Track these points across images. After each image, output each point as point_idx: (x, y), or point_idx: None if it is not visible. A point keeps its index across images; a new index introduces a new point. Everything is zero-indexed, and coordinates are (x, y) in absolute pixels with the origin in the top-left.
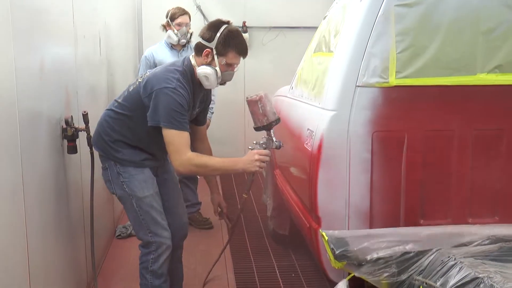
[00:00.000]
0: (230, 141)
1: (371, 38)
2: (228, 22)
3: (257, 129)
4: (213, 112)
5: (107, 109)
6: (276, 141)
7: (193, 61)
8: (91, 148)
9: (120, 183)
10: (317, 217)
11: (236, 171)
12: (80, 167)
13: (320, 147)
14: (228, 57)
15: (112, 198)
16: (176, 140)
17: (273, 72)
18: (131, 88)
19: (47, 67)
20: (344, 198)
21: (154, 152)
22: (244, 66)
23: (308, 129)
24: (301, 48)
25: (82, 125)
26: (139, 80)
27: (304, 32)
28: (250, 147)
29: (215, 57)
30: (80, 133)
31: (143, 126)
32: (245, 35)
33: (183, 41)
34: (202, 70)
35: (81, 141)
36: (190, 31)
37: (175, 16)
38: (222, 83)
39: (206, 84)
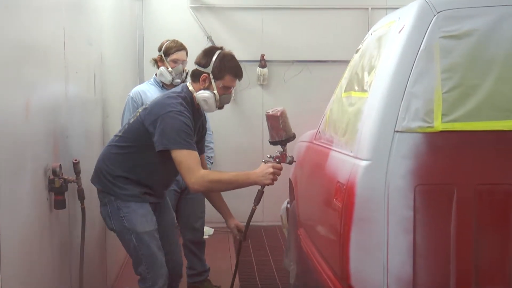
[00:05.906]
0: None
1: (412, 76)
2: (221, 48)
3: (273, 143)
4: (212, 162)
5: (108, 145)
6: (289, 156)
7: (190, 88)
8: (82, 203)
9: (120, 218)
10: (349, 287)
11: (249, 184)
12: (68, 225)
13: (352, 203)
14: (225, 80)
15: (105, 262)
16: (187, 159)
17: (297, 114)
18: (131, 120)
19: (34, 107)
20: (382, 264)
21: (155, 187)
22: (263, 107)
23: (338, 181)
24: (329, 86)
25: (72, 175)
26: (139, 111)
27: (332, 67)
28: (263, 160)
29: (212, 81)
30: (69, 184)
31: (145, 156)
32: (264, 70)
33: (178, 81)
34: (201, 95)
35: (70, 194)
36: (186, 69)
37: (170, 51)
38: (221, 106)
39: (205, 108)
